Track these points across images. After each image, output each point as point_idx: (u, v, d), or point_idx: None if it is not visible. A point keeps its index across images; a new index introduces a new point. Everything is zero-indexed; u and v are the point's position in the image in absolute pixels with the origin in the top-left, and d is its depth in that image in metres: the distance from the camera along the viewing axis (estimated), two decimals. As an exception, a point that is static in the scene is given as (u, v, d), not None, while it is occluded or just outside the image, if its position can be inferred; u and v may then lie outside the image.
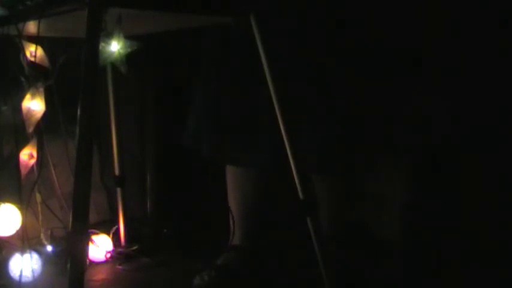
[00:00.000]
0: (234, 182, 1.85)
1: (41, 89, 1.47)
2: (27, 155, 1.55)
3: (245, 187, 1.83)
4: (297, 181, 1.49)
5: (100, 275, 1.80)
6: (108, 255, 1.89)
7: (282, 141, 1.49)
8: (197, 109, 1.82)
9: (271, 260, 1.90)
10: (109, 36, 1.31)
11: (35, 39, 1.45)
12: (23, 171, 1.55)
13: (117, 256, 1.91)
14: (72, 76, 1.27)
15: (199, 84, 1.84)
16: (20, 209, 1.65)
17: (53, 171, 1.73)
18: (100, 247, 1.87)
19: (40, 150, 1.56)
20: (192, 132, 1.82)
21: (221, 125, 1.77)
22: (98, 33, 1.18)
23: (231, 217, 1.78)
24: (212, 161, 1.84)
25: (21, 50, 1.45)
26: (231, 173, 1.85)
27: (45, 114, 1.48)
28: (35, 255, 1.60)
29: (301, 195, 1.50)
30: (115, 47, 1.33)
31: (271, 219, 2.07)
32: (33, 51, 1.46)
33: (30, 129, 1.50)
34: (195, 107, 1.83)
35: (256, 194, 1.84)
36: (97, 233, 1.90)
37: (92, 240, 1.84)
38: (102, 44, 1.28)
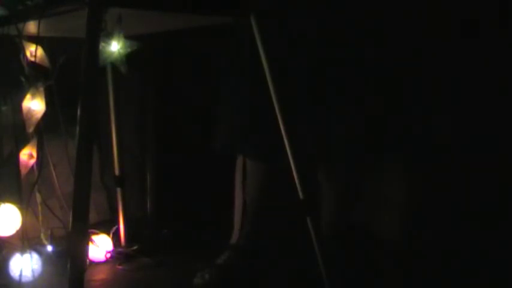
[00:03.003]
0: (240, 181, 1.86)
1: (41, 89, 1.47)
2: (27, 155, 1.55)
3: (252, 187, 1.84)
4: (297, 181, 1.49)
5: (100, 275, 1.80)
6: (108, 255, 1.89)
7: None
8: (231, 111, 1.82)
9: (272, 260, 1.90)
10: (109, 36, 1.31)
11: (35, 39, 1.45)
12: (23, 171, 1.55)
13: (117, 256, 1.91)
14: (72, 76, 1.27)
15: (231, 86, 1.83)
16: (20, 209, 1.65)
17: (53, 171, 1.73)
18: (100, 247, 1.87)
19: (40, 150, 1.56)
20: (228, 133, 1.82)
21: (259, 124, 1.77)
22: (98, 33, 1.18)
23: (240, 215, 1.79)
24: (258, 160, 1.83)
25: (21, 50, 1.45)
26: (240, 172, 1.86)
27: (45, 114, 1.48)
28: (35, 255, 1.60)
29: (301, 195, 1.50)
30: (115, 47, 1.33)
31: (274, 219, 2.07)
32: (33, 51, 1.46)
33: (30, 129, 1.50)
34: (227, 109, 1.83)
35: (262, 194, 1.85)
36: (97, 233, 1.90)
37: (92, 240, 1.84)
38: (102, 44, 1.28)
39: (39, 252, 1.67)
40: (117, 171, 2.01)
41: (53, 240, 1.79)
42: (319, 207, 1.81)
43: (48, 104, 1.48)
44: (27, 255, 1.55)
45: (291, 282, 1.74)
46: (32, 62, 1.46)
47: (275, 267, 1.85)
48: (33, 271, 1.58)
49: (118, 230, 2.01)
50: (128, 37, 1.35)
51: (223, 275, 1.74)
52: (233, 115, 1.81)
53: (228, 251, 1.82)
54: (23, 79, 1.47)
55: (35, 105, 1.48)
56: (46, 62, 1.50)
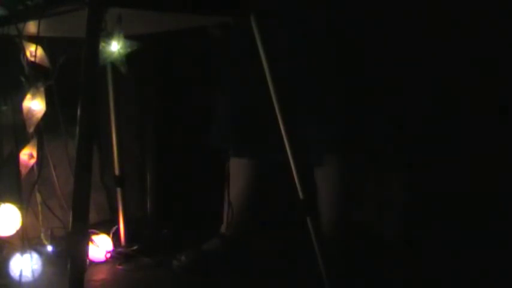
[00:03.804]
0: (236, 175, 1.87)
1: (41, 89, 1.47)
2: (27, 155, 1.55)
3: (247, 180, 1.85)
4: (297, 181, 1.49)
5: (100, 275, 1.80)
6: (108, 255, 1.89)
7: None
8: (227, 109, 1.83)
9: (263, 256, 1.91)
10: (109, 36, 1.31)
11: (35, 39, 1.45)
12: (23, 171, 1.55)
13: (117, 256, 1.91)
14: (72, 76, 1.27)
15: (227, 85, 1.85)
16: (20, 209, 1.65)
17: (53, 171, 1.72)
18: (100, 247, 1.87)
19: (40, 150, 1.56)
20: (223, 132, 1.84)
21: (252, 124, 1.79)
22: (98, 33, 1.18)
23: (229, 206, 1.80)
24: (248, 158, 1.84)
25: (21, 50, 1.45)
26: (235, 166, 1.87)
27: (45, 114, 1.48)
28: (35, 255, 1.60)
29: (301, 195, 1.50)
30: (115, 47, 1.33)
31: (271, 218, 2.08)
32: (33, 51, 1.46)
33: (31, 129, 1.50)
34: (223, 107, 1.85)
35: (256, 187, 1.86)
36: (97, 233, 1.90)
37: (92, 240, 1.84)
38: (102, 44, 1.28)
39: (39, 252, 1.67)
40: (117, 171, 2.01)
41: (53, 240, 1.79)
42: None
43: (48, 104, 1.48)
44: (27, 255, 1.55)
45: (281, 278, 1.75)
46: (32, 62, 1.46)
47: (267, 263, 1.87)
48: (33, 271, 1.57)
49: (118, 230, 2.01)
50: (128, 37, 1.34)
51: (201, 259, 1.77)
52: (226, 115, 1.83)
53: (214, 238, 1.85)
54: (23, 79, 1.47)
55: (35, 105, 1.48)
56: (46, 62, 1.50)
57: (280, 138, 1.51)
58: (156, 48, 2.15)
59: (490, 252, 1.80)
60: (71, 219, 1.12)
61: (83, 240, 1.15)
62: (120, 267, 1.86)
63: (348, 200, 1.92)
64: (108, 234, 1.95)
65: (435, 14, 1.87)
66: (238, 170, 1.86)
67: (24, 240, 1.53)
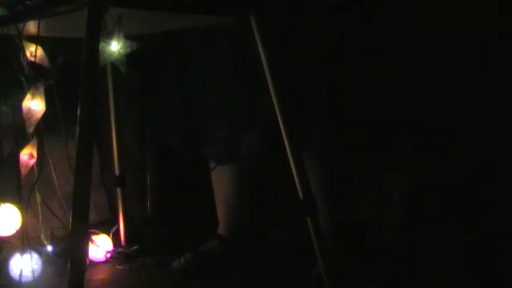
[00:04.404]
0: (218, 174, 1.88)
1: (41, 89, 1.47)
2: (27, 155, 1.55)
3: (234, 180, 1.87)
4: (297, 181, 1.49)
5: (100, 275, 1.80)
6: (108, 255, 1.89)
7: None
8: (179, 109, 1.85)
9: (262, 256, 1.91)
10: (109, 36, 1.31)
11: (35, 39, 1.45)
12: (23, 171, 1.55)
13: (117, 256, 1.91)
14: (72, 76, 1.27)
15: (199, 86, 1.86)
16: (20, 209, 1.65)
17: (53, 171, 1.73)
18: (100, 247, 1.87)
19: (40, 150, 1.56)
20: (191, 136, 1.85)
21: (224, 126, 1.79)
22: (98, 33, 1.18)
23: (222, 208, 1.82)
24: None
25: (21, 50, 1.45)
26: (222, 167, 1.88)
27: (45, 114, 1.48)
28: (35, 255, 1.60)
29: (301, 195, 1.50)
30: (115, 47, 1.33)
31: (269, 218, 2.09)
32: (33, 51, 1.46)
33: (31, 129, 1.50)
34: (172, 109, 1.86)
35: (247, 188, 1.88)
36: (97, 233, 1.90)
37: (92, 240, 1.84)
38: (102, 44, 1.28)
39: (39, 252, 1.67)
40: (117, 171, 2.01)
41: (53, 240, 1.79)
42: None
43: (48, 104, 1.48)
44: (27, 255, 1.55)
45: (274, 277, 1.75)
46: (32, 62, 1.46)
47: (264, 263, 1.87)
48: (33, 271, 1.57)
49: (118, 230, 2.01)
50: (127, 37, 1.35)
51: (200, 260, 1.78)
52: (198, 117, 1.85)
53: (213, 240, 1.87)
54: (23, 79, 1.47)
55: (35, 105, 1.48)
56: (46, 62, 1.50)
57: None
58: (156, 48, 2.15)
59: (490, 252, 1.80)
60: (71, 219, 1.12)
61: (83, 240, 1.15)
62: (120, 267, 1.86)
63: (348, 200, 1.92)
64: (108, 234, 1.95)
65: (435, 14, 1.87)
66: (225, 170, 1.87)
67: (24, 240, 1.53)
